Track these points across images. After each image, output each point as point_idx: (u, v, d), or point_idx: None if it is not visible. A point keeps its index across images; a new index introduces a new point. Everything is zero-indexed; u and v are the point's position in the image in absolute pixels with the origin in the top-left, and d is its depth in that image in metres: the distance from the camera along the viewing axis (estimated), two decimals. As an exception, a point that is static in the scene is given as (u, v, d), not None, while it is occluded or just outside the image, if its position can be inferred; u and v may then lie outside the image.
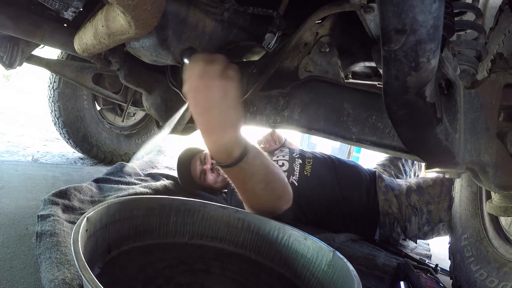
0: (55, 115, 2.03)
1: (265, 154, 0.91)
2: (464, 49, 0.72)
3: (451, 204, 1.45)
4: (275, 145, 2.00)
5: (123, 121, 2.26)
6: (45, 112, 2.23)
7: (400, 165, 2.08)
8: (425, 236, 1.58)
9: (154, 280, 0.72)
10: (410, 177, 2.12)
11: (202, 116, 0.75)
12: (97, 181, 1.55)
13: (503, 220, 0.93)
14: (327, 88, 0.77)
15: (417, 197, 1.57)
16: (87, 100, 2.09)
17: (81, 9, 0.83)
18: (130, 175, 1.77)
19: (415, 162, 2.13)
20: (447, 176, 0.71)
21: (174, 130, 1.26)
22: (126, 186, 1.52)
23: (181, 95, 0.97)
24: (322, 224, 1.59)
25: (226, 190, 1.78)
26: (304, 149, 1.90)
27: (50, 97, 2.02)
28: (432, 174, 1.68)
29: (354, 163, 1.79)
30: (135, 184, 1.64)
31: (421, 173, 2.19)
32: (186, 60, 0.77)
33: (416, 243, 1.66)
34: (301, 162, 1.66)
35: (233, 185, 0.92)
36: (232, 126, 0.76)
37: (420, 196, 1.57)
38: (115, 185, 1.51)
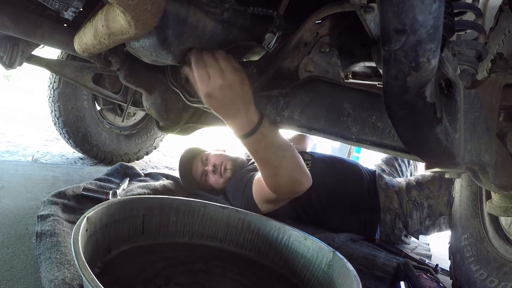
0: (55, 115, 2.03)
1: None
2: (464, 49, 0.72)
3: (450, 199, 1.46)
4: None
5: (123, 121, 2.26)
6: (45, 112, 2.23)
7: (397, 165, 2.10)
8: (426, 231, 1.59)
9: (154, 280, 0.72)
10: (407, 177, 2.13)
11: (221, 111, 0.85)
12: (97, 181, 1.54)
13: (503, 220, 0.93)
14: (327, 88, 0.77)
15: (417, 192, 1.59)
16: (87, 100, 2.08)
17: (81, 9, 0.83)
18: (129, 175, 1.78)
19: (411, 162, 2.15)
20: (447, 176, 0.71)
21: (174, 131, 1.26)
22: (126, 186, 1.52)
23: (181, 95, 0.97)
24: (323, 223, 1.59)
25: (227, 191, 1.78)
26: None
27: (50, 97, 2.02)
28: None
29: (354, 162, 1.81)
30: (134, 184, 1.64)
31: (417, 173, 2.21)
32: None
33: (418, 239, 1.67)
34: None
35: (255, 163, 0.95)
36: (246, 104, 0.82)
37: (420, 191, 1.59)
38: (115, 185, 1.51)
